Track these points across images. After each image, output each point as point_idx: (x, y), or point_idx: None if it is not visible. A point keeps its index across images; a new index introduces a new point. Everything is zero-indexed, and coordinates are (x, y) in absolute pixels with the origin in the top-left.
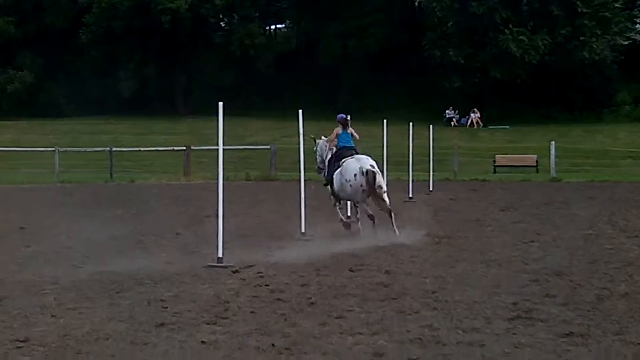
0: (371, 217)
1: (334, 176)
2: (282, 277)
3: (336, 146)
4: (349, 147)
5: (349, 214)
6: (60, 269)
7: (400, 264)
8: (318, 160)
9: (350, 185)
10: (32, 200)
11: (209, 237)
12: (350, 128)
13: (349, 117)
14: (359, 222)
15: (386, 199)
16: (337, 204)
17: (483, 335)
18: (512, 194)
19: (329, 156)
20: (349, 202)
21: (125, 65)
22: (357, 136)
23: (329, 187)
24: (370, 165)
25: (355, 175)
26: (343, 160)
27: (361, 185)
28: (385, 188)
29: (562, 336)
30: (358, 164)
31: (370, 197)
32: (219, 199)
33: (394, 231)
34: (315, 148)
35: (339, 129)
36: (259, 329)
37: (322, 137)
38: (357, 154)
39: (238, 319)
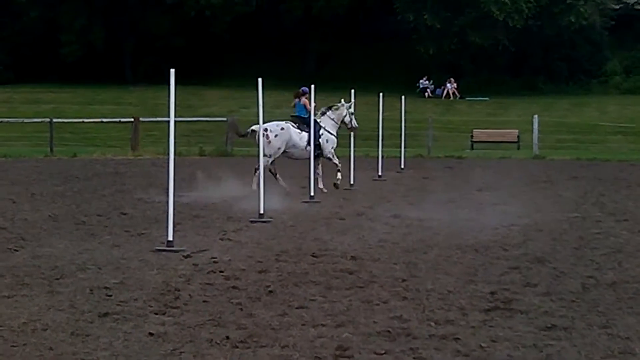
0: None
1: None
2: (238, 263)
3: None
4: (297, 116)
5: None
6: None
7: (367, 249)
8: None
9: None
10: None
11: (158, 217)
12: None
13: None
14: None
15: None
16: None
17: (457, 327)
18: (490, 172)
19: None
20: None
21: (68, 28)
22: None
23: None
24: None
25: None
26: None
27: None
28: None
29: (543, 329)
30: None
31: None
32: (170, 176)
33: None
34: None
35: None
36: (212, 320)
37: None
38: (303, 123)
39: (189, 309)
